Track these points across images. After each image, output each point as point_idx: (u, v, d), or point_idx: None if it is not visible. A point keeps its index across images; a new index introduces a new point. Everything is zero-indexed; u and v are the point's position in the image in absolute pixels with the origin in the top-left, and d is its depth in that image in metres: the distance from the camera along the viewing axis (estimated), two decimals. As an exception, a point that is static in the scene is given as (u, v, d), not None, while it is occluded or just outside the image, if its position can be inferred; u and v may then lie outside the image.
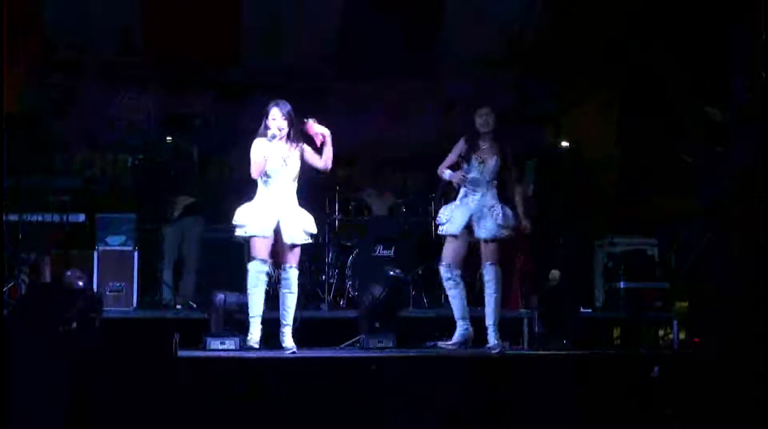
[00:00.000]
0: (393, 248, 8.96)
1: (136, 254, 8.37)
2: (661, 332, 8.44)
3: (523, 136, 9.24)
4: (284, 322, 6.76)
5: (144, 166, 9.04)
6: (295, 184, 6.86)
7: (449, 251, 7.13)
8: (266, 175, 6.77)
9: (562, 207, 9.00)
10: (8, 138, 7.67)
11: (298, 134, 6.82)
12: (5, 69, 6.34)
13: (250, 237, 6.73)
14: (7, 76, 6.62)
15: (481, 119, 7.10)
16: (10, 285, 7.79)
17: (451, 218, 7.10)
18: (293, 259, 6.78)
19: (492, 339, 6.98)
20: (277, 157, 6.76)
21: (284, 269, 6.77)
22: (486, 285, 7.04)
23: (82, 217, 8.44)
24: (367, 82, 9.67)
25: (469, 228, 7.07)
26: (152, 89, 9.65)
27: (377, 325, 7.32)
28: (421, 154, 9.33)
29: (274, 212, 6.74)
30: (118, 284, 8.24)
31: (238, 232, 6.79)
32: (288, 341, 6.71)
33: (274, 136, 6.71)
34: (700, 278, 8.34)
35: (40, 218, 8.23)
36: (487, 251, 7.05)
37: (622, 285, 8.51)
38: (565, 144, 9.48)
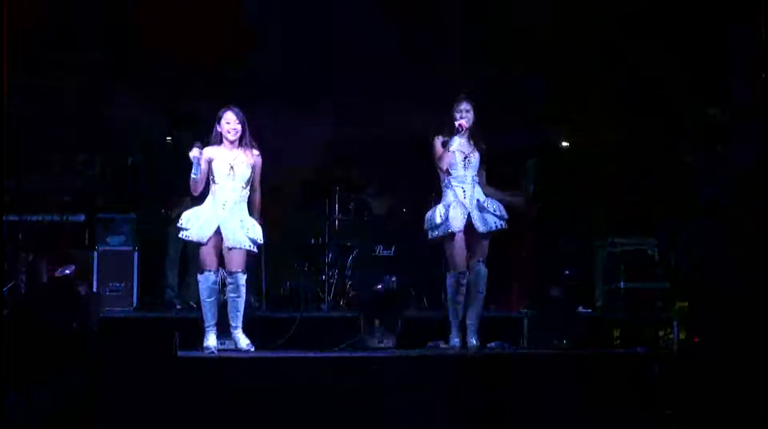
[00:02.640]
0: (393, 248, 8.95)
1: (136, 254, 8.38)
2: (661, 332, 8.42)
3: (523, 136, 9.25)
4: (234, 325, 6.77)
5: (144, 166, 9.03)
6: (245, 191, 6.81)
7: (460, 256, 6.87)
8: (213, 180, 6.78)
9: (562, 207, 8.99)
10: (8, 138, 7.68)
11: (251, 141, 6.82)
12: (5, 68, 6.33)
13: (189, 241, 6.80)
14: (7, 76, 6.62)
15: (461, 115, 6.92)
16: (10, 285, 7.79)
17: (448, 217, 6.86)
18: (238, 263, 6.74)
19: (473, 338, 6.91)
20: (224, 162, 6.77)
21: (230, 274, 6.74)
22: (477, 282, 6.91)
23: (82, 218, 8.44)
24: (367, 81, 9.66)
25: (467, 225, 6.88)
26: (152, 89, 9.63)
27: (377, 325, 7.33)
28: (421, 153, 9.31)
29: (215, 218, 6.72)
30: (118, 284, 8.25)
31: (181, 235, 6.81)
32: (242, 341, 6.74)
33: (197, 161, 6.69)
34: (700, 278, 8.33)
35: (40, 218, 8.23)
36: (481, 247, 6.94)
37: (622, 285, 8.50)
38: (565, 144, 9.47)
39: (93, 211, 8.52)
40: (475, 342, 6.89)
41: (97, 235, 8.40)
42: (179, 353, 5.80)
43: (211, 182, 6.80)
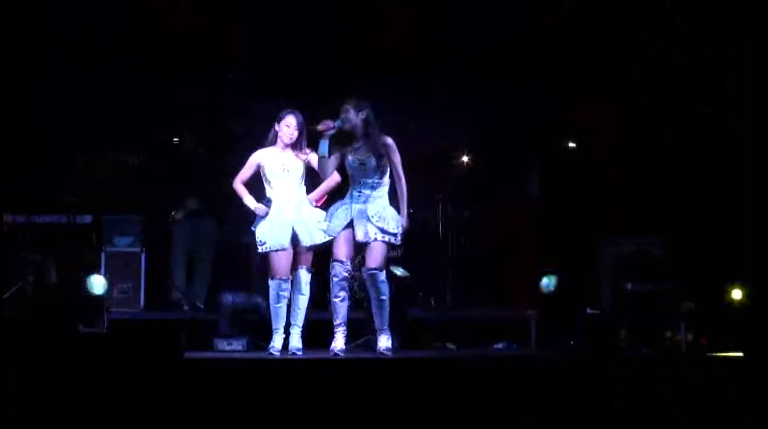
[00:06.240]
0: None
1: (143, 255, 8.39)
2: (668, 333, 8.42)
3: (526, 136, 9.25)
4: (293, 323, 6.85)
5: (149, 167, 9.05)
6: (303, 187, 6.90)
7: (341, 248, 6.58)
8: (269, 183, 6.85)
9: (566, 207, 8.99)
10: (11, 138, 7.71)
11: (303, 144, 6.88)
12: (5, 68, 6.37)
13: (270, 252, 6.78)
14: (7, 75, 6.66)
15: (342, 116, 6.46)
16: (17, 286, 7.82)
17: (332, 217, 6.63)
18: (305, 260, 6.83)
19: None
20: (277, 164, 6.84)
21: (296, 270, 6.82)
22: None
23: (88, 219, 8.46)
24: (368, 80, 9.66)
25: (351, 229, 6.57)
26: (154, 87, 9.63)
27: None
28: (423, 153, 9.31)
29: (287, 221, 6.79)
30: (125, 285, 8.27)
31: (260, 249, 6.82)
32: (295, 342, 6.83)
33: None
34: (706, 278, 8.34)
35: (46, 219, 8.25)
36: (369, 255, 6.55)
37: (628, 285, 8.49)
38: (569, 144, 9.46)
39: (100, 212, 8.53)
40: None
41: (104, 236, 8.42)
42: (186, 354, 5.81)
43: (265, 186, 6.87)
